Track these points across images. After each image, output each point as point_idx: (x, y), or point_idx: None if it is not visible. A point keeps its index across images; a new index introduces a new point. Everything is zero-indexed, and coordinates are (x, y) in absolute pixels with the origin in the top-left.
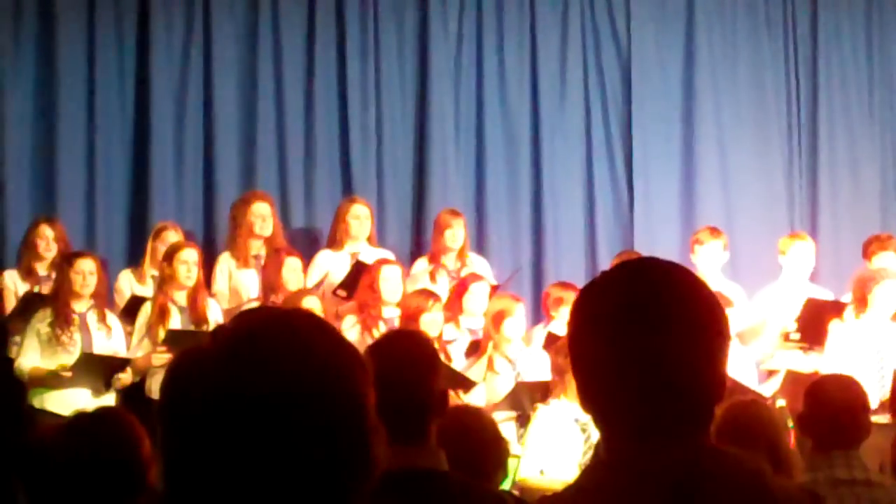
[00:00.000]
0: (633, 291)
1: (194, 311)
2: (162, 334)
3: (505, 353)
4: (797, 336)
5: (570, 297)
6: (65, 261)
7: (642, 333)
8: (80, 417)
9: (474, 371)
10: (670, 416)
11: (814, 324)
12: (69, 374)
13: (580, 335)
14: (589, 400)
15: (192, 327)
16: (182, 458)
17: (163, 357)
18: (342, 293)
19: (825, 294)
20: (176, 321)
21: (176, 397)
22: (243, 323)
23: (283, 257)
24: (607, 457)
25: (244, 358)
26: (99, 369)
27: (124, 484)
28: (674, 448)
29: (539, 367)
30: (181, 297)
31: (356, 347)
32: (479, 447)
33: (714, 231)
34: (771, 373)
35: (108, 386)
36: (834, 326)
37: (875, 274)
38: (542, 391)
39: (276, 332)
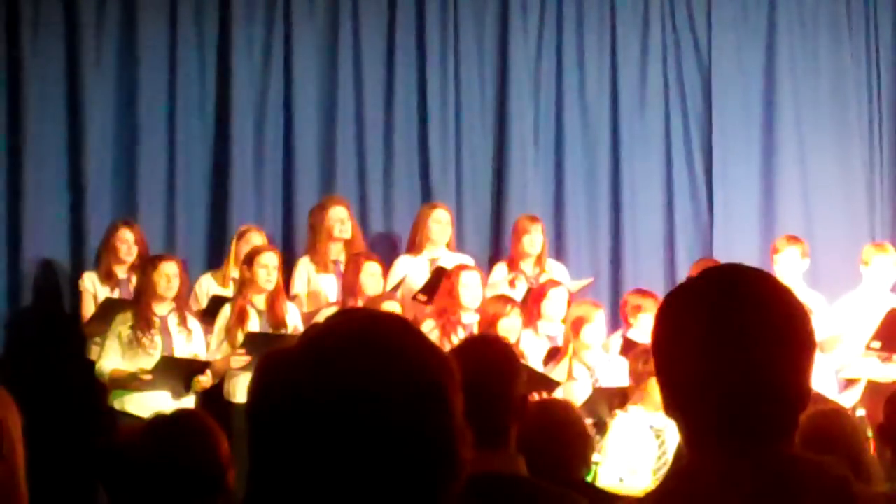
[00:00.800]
0: (721, 298)
1: (273, 314)
2: (240, 337)
3: (583, 359)
4: (878, 345)
5: (649, 304)
6: (148, 263)
7: (729, 341)
8: (159, 420)
9: (554, 376)
10: (755, 423)
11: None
12: (149, 377)
13: (667, 341)
14: (674, 406)
15: (270, 331)
16: (269, 459)
17: (241, 360)
18: (422, 298)
19: None
20: (254, 324)
21: (264, 398)
22: (333, 325)
23: (363, 262)
24: (691, 463)
25: (333, 360)
26: (179, 372)
27: (202, 486)
28: (758, 455)
29: (617, 373)
30: (260, 301)
31: (444, 352)
32: (563, 440)
33: (791, 239)
34: (850, 382)
35: (187, 388)
36: None
37: None
38: (619, 398)
39: (365, 334)
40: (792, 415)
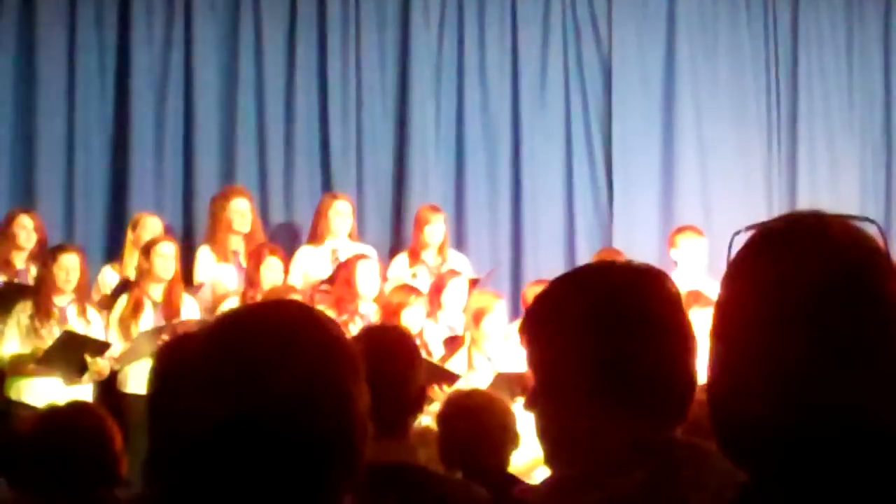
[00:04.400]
0: (601, 294)
1: (168, 306)
2: (135, 329)
3: (483, 349)
4: None
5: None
6: (48, 255)
7: (622, 329)
8: (53, 411)
9: (452, 366)
10: (646, 411)
11: None
12: (46, 355)
13: (547, 335)
14: (554, 392)
15: (162, 322)
16: (167, 447)
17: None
18: (326, 288)
19: None
20: (149, 316)
21: (164, 385)
22: (238, 315)
23: (265, 255)
24: (583, 447)
25: (235, 349)
26: (77, 352)
27: (96, 476)
28: (650, 441)
29: (516, 363)
30: (157, 291)
31: (349, 343)
32: (484, 430)
33: (697, 230)
34: None
35: (82, 373)
36: None
37: None
38: (520, 383)
39: (270, 324)
40: (680, 403)
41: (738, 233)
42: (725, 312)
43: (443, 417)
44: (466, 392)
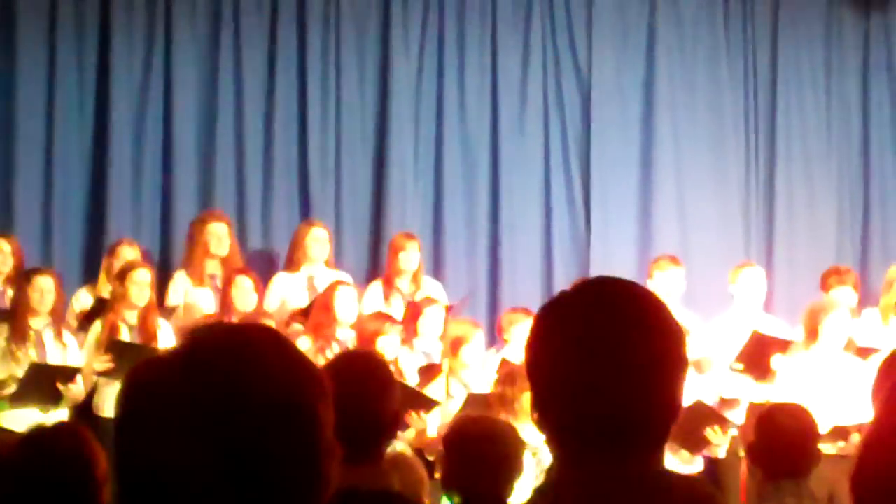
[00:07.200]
0: (595, 312)
1: (144, 330)
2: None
3: (461, 377)
4: (740, 366)
5: (520, 317)
6: (24, 277)
7: (601, 356)
8: (37, 433)
9: (430, 394)
10: (625, 438)
11: (758, 357)
12: (15, 386)
13: (540, 355)
14: (545, 420)
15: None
16: (134, 473)
17: (103, 363)
18: (302, 319)
19: (778, 323)
20: (125, 339)
21: (131, 409)
22: (204, 337)
23: (234, 276)
24: (560, 477)
25: (202, 372)
26: (48, 381)
27: (78, 500)
28: (628, 470)
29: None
30: (132, 317)
31: (316, 367)
32: (482, 458)
33: (674, 259)
34: (725, 401)
35: (57, 400)
36: (782, 359)
37: (825, 305)
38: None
39: (235, 347)
40: (661, 431)
41: None
42: None
43: (447, 441)
44: (473, 418)
